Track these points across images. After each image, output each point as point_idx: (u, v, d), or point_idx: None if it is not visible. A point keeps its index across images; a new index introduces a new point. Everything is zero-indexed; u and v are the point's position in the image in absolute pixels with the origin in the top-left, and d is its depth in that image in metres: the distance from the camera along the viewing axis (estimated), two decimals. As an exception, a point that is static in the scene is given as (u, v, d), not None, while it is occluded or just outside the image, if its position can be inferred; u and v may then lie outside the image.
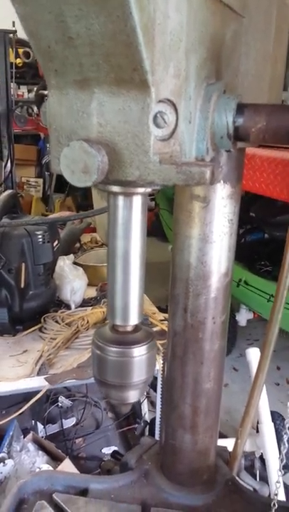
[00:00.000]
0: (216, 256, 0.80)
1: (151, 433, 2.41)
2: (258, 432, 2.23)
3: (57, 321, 2.15)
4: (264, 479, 2.20)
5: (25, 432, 2.21)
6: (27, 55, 5.96)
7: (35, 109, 6.02)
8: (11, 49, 4.73)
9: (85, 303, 2.39)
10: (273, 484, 2.03)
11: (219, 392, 0.92)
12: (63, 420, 2.57)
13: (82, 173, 0.52)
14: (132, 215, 0.63)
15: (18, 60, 5.83)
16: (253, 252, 3.83)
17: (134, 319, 0.68)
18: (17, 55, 5.68)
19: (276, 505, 0.87)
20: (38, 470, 1.94)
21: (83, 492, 0.94)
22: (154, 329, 2.13)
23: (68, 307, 2.32)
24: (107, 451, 2.51)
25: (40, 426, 2.47)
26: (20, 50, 5.83)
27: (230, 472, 1.00)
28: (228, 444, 1.07)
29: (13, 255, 2.03)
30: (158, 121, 0.53)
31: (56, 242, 2.23)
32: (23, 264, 2.04)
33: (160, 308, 2.38)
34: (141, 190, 0.60)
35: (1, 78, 4.38)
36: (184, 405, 0.90)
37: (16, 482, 0.94)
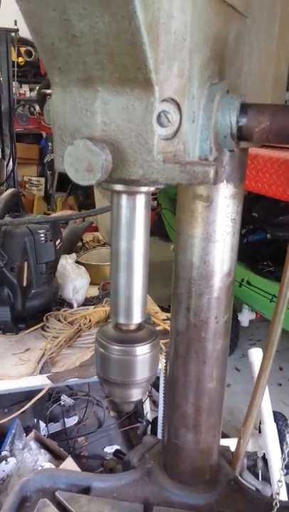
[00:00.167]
0: (219, 255, 0.80)
1: (153, 432, 2.42)
2: (260, 432, 2.23)
3: (59, 320, 2.16)
4: (266, 479, 2.20)
5: (27, 431, 2.21)
6: (29, 53, 5.96)
7: (37, 107, 6.04)
8: (12, 48, 4.72)
9: (87, 302, 2.39)
10: (275, 484, 2.03)
11: (222, 391, 0.92)
12: (65, 419, 2.58)
13: (86, 172, 0.52)
14: (135, 214, 0.63)
15: (20, 59, 5.83)
16: (255, 252, 3.83)
17: (137, 318, 0.69)
18: (19, 54, 5.67)
19: (278, 505, 0.87)
20: (40, 468, 1.94)
21: (86, 490, 0.94)
22: (157, 328, 2.13)
23: (70, 306, 2.32)
24: (109, 450, 2.52)
25: (42, 424, 2.47)
26: (22, 49, 5.82)
27: (232, 472, 1.00)
28: (231, 443, 1.07)
29: (16, 254, 2.03)
30: (162, 121, 0.53)
31: (58, 241, 2.23)
32: (26, 263, 2.05)
33: (162, 308, 2.38)
34: (144, 189, 0.60)
35: (3, 77, 4.39)
36: (186, 404, 0.90)
37: (18, 480, 0.95)
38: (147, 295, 0.70)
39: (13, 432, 2.09)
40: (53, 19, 0.49)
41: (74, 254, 2.70)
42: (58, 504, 0.89)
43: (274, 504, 0.87)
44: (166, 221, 5.22)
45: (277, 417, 2.47)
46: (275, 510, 0.87)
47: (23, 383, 1.83)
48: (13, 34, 4.54)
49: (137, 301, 0.67)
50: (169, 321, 1.85)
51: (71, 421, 2.62)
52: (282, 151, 2.72)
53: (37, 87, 5.65)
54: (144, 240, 0.65)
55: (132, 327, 0.70)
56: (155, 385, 2.43)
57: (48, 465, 1.99)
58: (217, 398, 0.91)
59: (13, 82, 4.66)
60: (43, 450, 2.10)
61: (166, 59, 0.51)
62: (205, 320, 0.84)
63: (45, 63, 0.56)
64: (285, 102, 1.30)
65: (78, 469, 2.00)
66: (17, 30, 4.47)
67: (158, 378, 1.92)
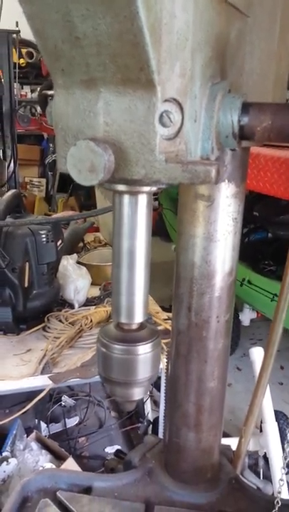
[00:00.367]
0: (220, 255, 0.80)
1: (155, 432, 2.42)
2: (261, 431, 2.23)
3: (60, 320, 2.16)
4: (267, 478, 2.20)
5: (28, 431, 2.22)
6: (30, 55, 5.96)
7: (39, 109, 6.04)
8: (14, 49, 4.73)
9: (89, 302, 2.39)
10: (277, 482, 2.03)
11: (223, 390, 0.92)
12: (66, 419, 2.58)
13: (88, 172, 0.52)
14: (137, 214, 0.63)
15: (22, 60, 5.84)
16: (256, 251, 3.83)
17: (139, 317, 0.69)
18: (20, 55, 5.68)
19: (279, 503, 0.88)
20: (41, 469, 1.94)
21: (87, 490, 0.94)
22: (158, 328, 2.13)
23: (72, 306, 2.33)
24: (110, 450, 2.52)
25: (43, 425, 2.48)
26: (24, 51, 5.83)
27: (234, 470, 1.00)
28: (232, 442, 1.07)
29: (17, 254, 2.04)
30: (164, 120, 0.53)
31: (60, 242, 2.23)
32: (27, 264, 2.05)
33: (163, 308, 2.38)
34: (146, 188, 0.61)
35: (4, 78, 4.40)
36: (187, 404, 0.90)
37: (20, 481, 0.95)
38: (148, 295, 0.70)
39: (14, 432, 2.10)
40: (56, 21, 0.50)
41: (75, 255, 2.71)
42: (60, 504, 0.89)
43: (275, 503, 0.87)
44: (168, 221, 5.22)
45: (279, 416, 2.47)
46: (277, 508, 0.87)
47: (25, 384, 1.83)
48: (14, 35, 4.55)
49: (138, 301, 0.67)
50: (170, 321, 1.85)
51: (72, 421, 2.62)
52: (283, 150, 2.72)
53: (38, 89, 5.65)
54: (146, 239, 0.65)
55: (134, 326, 0.70)
56: (156, 385, 2.43)
57: (49, 465, 1.99)
58: (218, 397, 0.91)
59: (15, 84, 4.67)
60: (44, 451, 2.10)
61: (168, 59, 0.51)
62: (206, 319, 0.84)
63: (49, 65, 0.56)
64: (287, 100, 1.30)
65: (79, 469, 2.00)
66: (18, 31, 4.48)
67: (159, 378, 1.92)
